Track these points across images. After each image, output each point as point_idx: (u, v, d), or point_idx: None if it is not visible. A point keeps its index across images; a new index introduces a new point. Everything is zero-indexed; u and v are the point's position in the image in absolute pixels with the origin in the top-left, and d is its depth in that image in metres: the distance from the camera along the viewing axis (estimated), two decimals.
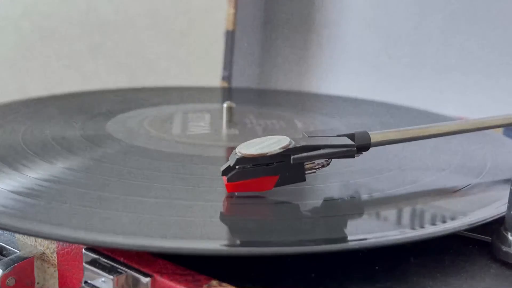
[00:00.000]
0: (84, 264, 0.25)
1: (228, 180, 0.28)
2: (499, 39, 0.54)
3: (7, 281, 0.26)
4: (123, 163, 0.33)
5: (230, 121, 0.43)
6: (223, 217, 0.27)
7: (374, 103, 0.55)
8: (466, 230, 0.28)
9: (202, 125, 0.43)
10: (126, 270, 0.24)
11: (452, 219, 0.27)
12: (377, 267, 0.26)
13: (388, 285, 0.24)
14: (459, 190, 0.31)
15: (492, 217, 0.27)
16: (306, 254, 0.25)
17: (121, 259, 0.24)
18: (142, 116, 0.45)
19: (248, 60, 0.64)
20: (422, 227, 0.26)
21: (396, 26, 0.59)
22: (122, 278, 0.24)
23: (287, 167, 0.28)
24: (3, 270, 0.26)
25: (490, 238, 0.28)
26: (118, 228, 0.25)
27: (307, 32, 0.64)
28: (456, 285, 0.24)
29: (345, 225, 0.26)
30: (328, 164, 0.30)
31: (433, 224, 0.27)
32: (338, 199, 0.29)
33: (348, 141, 0.29)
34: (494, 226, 0.27)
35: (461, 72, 0.56)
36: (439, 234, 0.25)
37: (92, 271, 0.25)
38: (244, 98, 0.58)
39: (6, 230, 0.28)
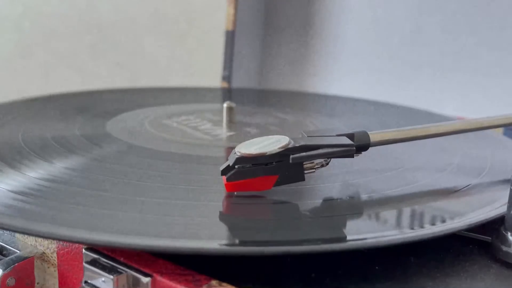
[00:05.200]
0: (84, 264, 0.25)
1: (228, 180, 0.28)
2: (499, 39, 0.54)
3: (7, 281, 0.26)
4: (123, 162, 0.33)
5: (230, 121, 0.43)
6: (223, 217, 0.27)
7: (374, 103, 0.55)
8: (466, 230, 0.28)
9: (202, 125, 0.43)
10: (126, 270, 0.24)
11: (452, 219, 0.27)
12: (377, 267, 0.26)
13: (388, 285, 0.24)
14: (459, 190, 0.31)
15: (492, 217, 0.27)
16: (306, 254, 0.25)
17: (121, 259, 0.24)
18: (142, 116, 0.45)
19: (248, 60, 0.64)
20: (422, 227, 0.26)
21: (396, 26, 0.59)
22: (122, 278, 0.24)
23: (287, 166, 0.28)
24: (3, 270, 0.26)
25: (490, 238, 0.28)
26: (118, 228, 0.25)
27: (307, 32, 0.64)
28: (456, 285, 0.24)
29: (344, 225, 0.26)
30: (327, 164, 0.30)
31: (433, 224, 0.27)
32: (337, 199, 0.29)
33: (347, 141, 0.29)
34: (494, 226, 0.27)
35: (461, 72, 0.56)
36: (439, 234, 0.25)
37: (92, 271, 0.25)
38: (244, 98, 0.58)
39: (6, 230, 0.28)
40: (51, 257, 0.27)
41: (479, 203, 0.30)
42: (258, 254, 0.24)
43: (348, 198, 0.30)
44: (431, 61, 0.57)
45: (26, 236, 0.28)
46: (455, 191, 0.31)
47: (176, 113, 0.47)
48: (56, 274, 0.27)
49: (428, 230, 0.26)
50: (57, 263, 0.27)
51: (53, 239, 0.26)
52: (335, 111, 0.54)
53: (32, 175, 0.31)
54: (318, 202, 0.29)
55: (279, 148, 0.28)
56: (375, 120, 0.50)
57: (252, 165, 0.28)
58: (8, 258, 0.27)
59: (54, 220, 0.25)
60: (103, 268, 0.24)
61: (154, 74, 0.82)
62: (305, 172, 0.29)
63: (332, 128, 0.31)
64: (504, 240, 0.26)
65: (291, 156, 0.28)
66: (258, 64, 0.66)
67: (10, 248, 0.28)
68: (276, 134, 0.30)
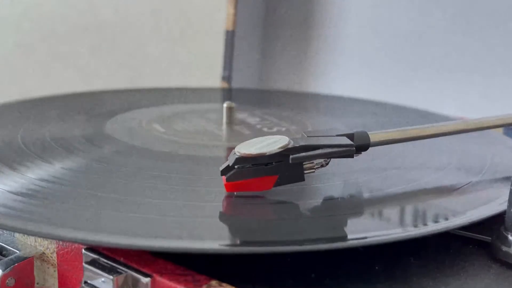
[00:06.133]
0: (84, 264, 0.25)
1: (227, 180, 0.28)
2: (499, 39, 0.54)
3: (7, 281, 0.26)
4: (122, 163, 0.33)
5: (230, 121, 0.43)
6: (223, 217, 0.27)
7: (374, 103, 0.55)
8: (466, 229, 0.28)
9: (202, 126, 0.43)
10: (126, 270, 0.24)
11: (452, 217, 0.27)
12: (377, 267, 0.26)
13: (388, 285, 0.24)
14: (459, 188, 0.31)
15: (491, 215, 0.27)
16: (306, 254, 0.25)
17: (121, 259, 0.24)
18: (142, 116, 0.45)
19: (248, 60, 0.64)
20: (422, 225, 0.26)
21: (396, 26, 0.59)
22: (122, 278, 0.24)
23: (286, 166, 0.28)
24: (3, 270, 0.26)
25: (490, 238, 0.28)
26: (118, 228, 0.25)
27: (307, 32, 0.64)
28: (456, 285, 0.24)
29: (345, 223, 0.26)
30: (327, 164, 0.30)
31: (433, 222, 0.27)
32: (337, 198, 0.29)
33: (347, 141, 0.29)
34: (494, 226, 0.27)
35: (461, 72, 0.56)
36: (439, 231, 0.25)
37: (92, 271, 0.25)
38: (244, 98, 0.58)
39: (6, 230, 0.28)
40: (51, 257, 0.27)
41: (478, 201, 0.30)
42: (258, 253, 0.24)
43: (348, 197, 0.30)
44: (431, 61, 0.57)
45: (25, 236, 0.28)
46: (455, 190, 0.31)
47: (176, 114, 0.47)
48: (55, 274, 0.27)
49: (428, 228, 0.26)
50: (57, 263, 0.27)
51: (53, 239, 0.26)
52: (335, 111, 0.54)
53: (32, 175, 0.31)
54: (318, 201, 0.29)
55: (279, 148, 0.28)
56: (375, 120, 0.50)
57: (252, 165, 0.28)
58: (7, 258, 0.27)
59: (54, 220, 0.25)
60: (103, 268, 0.24)
61: (154, 74, 0.82)
62: (305, 172, 0.29)
63: (332, 128, 0.31)
64: (504, 240, 0.26)
65: (291, 156, 0.28)
66: (258, 64, 0.66)
67: (10, 248, 0.28)
68: (276, 134, 0.30)
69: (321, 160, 0.29)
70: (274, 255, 0.26)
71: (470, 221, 0.27)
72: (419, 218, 0.27)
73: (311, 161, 0.29)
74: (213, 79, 0.65)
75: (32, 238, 0.28)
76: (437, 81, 0.57)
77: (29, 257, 0.27)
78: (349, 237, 0.25)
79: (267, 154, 0.28)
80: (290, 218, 0.27)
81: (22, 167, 0.32)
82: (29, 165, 0.32)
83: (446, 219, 0.27)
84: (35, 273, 0.28)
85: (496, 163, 0.36)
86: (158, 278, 0.24)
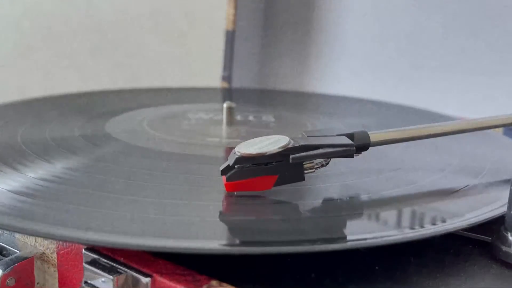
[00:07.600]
0: (84, 264, 0.25)
1: (227, 179, 0.28)
2: (499, 39, 0.54)
3: (7, 281, 0.26)
4: (122, 163, 0.33)
5: (230, 121, 0.43)
6: (223, 217, 0.27)
7: (374, 103, 0.55)
8: (466, 230, 0.28)
9: (202, 125, 0.43)
10: (126, 270, 0.24)
11: (452, 219, 0.27)
12: (377, 267, 0.26)
13: (388, 285, 0.24)
14: (459, 190, 0.31)
15: (492, 217, 0.27)
16: (306, 254, 0.25)
17: (121, 259, 0.24)
18: (142, 116, 0.45)
19: (248, 60, 0.64)
20: (421, 227, 0.26)
21: (396, 26, 0.59)
22: (122, 278, 0.24)
23: (286, 166, 0.28)
24: (3, 270, 0.26)
25: (490, 238, 0.28)
26: (118, 228, 0.25)
27: (307, 32, 0.64)
28: (456, 285, 0.24)
29: (344, 225, 0.26)
30: (327, 164, 0.30)
31: (433, 224, 0.27)
32: (337, 199, 0.29)
33: (347, 141, 0.29)
34: (494, 226, 0.27)
35: (461, 72, 0.56)
36: (439, 233, 0.25)
37: (92, 271, 0.25)
38: (244, 98, 0.58)
39: (6, 230, 0.28)
40: (51, 257, 0.27)
41: (479, 203, 0.30)
42: (258, 254, 0.24)
43: (348, 198, 0.30)
44: (431, 61, 0.57)
45: (26, 236, 0.28)
46: (455, 191, 0.31)
47: (176, 114, 0.47)
48: (56, 274, 0.27)
49: (428, 230, 0.26)
50: (57, 263, 0.27)
51: (53, 239, 0.26)
52: (335, 111, 0.54)
53: (32, 175, 0.31)
54: (318, 202, 0.29)
55: (279, 148, 0.28)
56: (375, 120, 0.50)
57: (252, 164, 0.28)
58: (8, 258, 0.27)
59: (54, 220, 0.25)
60: (103, 268, 0.24)
61: (154, 74, 0.82)
62: (305, 171, 0.29)
63: (332, 128, 0.31)
64: (504, 240, 0.26)
65: (291, 156, 0.28)
66: (258, 64, 0.66)
67: (10, 248, 0.28)
68: (276, 134, 0.30)
69: (321, 160, 0.29)
70: (274, 255, 0.26)
71: (470, 224, 0.26)
72: (420, 220, 0.27)
73: (311, 161, 0.29)
74: (213, 79, 0.65)
75: (32, 238, 0.28)
76: (438, 81, 0.57)
77: (29, 257, 0.27)
78: (348, 238, 0.25)
79: (267, 153, 0.28)
80: (290, 218, 0.27)
81: (22, 166, 0.32)
82: (29, 164, 0.32)
83: (447, 221, 0.27)
84: (35, 273, 0.28)
85: (496, 164, 0.36)
86: (158, 278, 0.24)
